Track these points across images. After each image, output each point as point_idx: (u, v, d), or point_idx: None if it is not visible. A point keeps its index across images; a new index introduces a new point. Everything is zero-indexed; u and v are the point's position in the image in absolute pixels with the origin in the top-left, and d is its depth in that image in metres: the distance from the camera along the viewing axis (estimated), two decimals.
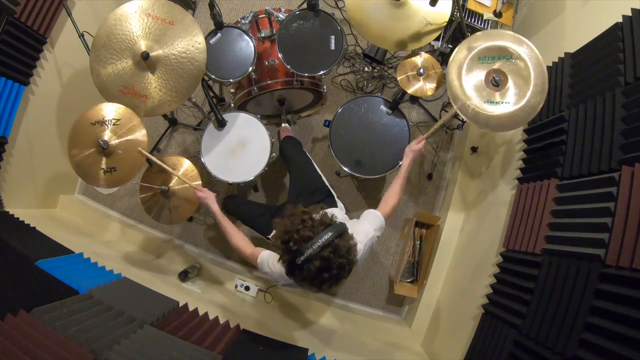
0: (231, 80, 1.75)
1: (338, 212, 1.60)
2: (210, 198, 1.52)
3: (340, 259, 1.03)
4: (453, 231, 2.22)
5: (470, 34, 1.60)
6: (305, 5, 1.75)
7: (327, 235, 1.03)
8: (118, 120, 1.55)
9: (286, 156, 1.95)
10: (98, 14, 2.09)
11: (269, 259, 1.36)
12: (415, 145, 1.51)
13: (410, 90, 1.79)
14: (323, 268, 1.02)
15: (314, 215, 1.09)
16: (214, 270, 2.32)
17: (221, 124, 1.81)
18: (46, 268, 1.50)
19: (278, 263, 1.20)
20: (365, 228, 1.34)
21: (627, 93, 1.26)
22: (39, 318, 1.21)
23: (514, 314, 1.45)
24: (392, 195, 1.48)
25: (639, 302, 1.01)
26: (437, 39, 2.06)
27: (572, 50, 1.61)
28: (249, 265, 2.39)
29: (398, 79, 1.80)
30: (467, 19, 2.15)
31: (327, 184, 1.78)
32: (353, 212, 2.44)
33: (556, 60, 1.68)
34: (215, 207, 1.49)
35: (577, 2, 1.74)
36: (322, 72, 1.73)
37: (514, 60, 1.51)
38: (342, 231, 1.08)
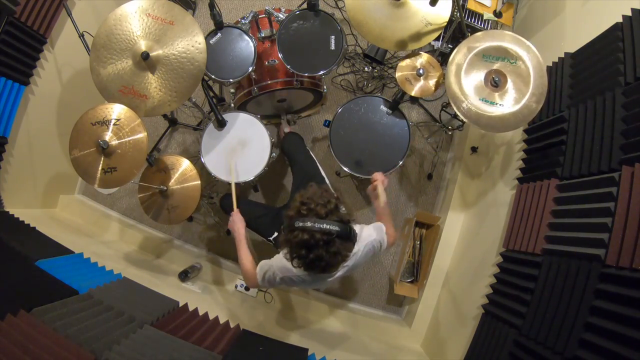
0: (231, 80, 1.75)
1: None
2: (242, 224, 1.58)
3: (324, 253, 1.04)
4: (453, 231, 2.22)
5: (470, 34, 1.60)
6: (305, 5, 1.75)
7: (332, 227, 1.04)
8: (118, 120, 1.55)
9: (288, 153, 1.93)
10: (98, 14, 2.09)
11: (266, 261, 1.38)
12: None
13: (410, 91, 1.79)
14: (305, 244, 1.04)
15: (340, 206, 1.11)
16: (214, 270, 2.32)
17: (221, 124, 1.81)
18: (46, 268, 1.50)
19: (279, 256, 1.28)
20: (369, 231, 1.35)
21: (627, 93, 1.26)
22: (39, 318, 1.21)
23: (514, 314, 1.45)
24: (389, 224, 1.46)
25: (639, 302, 1.01)
26: (437, 39, 2.05)
27: (572, 50, 1.61)
28: None
29: (398, 79, 1.80)
30: (467, 19, 2.15)
31: (328, 183, 1.78)
32: (353, 212, 2.44)
33: (556, 60, 1.68)
34: (243, 232, 1.55)
35: (577, 2, 1.74)
36: (322, 72, 1.73)
37: (516, 63, 1.51)
38: (348, 236, 1.09)
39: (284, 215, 1.13)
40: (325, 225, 1.04)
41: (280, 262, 1.32)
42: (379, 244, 1.35)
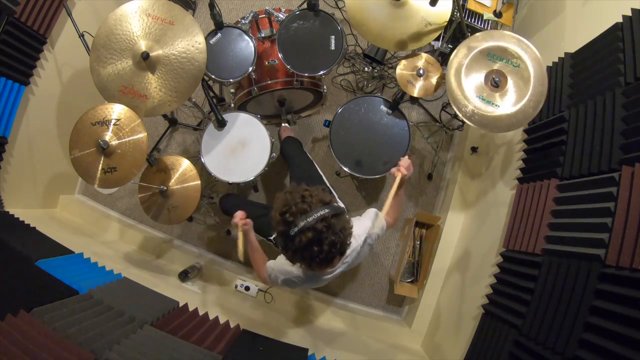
0: (231, 80, 1.75)
1: None
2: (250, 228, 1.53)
3: (333, 236, 1.03)
4: (453, 231, 2.22)
5: (470, 34, 1.60)
6: (305, 5, 1.75)
7: (323, 211, 1.03)
8: (118, 120, 1.55)
9: (287, 156, 1.95)
10: (98, 14, 2.10)
11: (273, 261, 1.39)
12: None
13: (410, 91, 1.79)
14: (314, 241, 1.02)
15: (314, 193, 1.09)
16: (214, 270, 2.32)
17: (221, 124, 1.81)
18: (46, 268, 1.51)
19: (280, 259, 1.26)
20: (365, 224, 1.33)
21: (627, 93, 1.26)
22: (39, 318, 1.21)
23: (514, 314, 1.45)
24: (392, 208, 1.37)
25: (639, 302, 1.01)
26: (437, 39, 2.05)
27: (572, 50, 1.61)
28: (249, 265, 2.39)
29: (398, 79, 1.80)
30: (467, 19, 2.15)
31: (328, 184, 1.78)
32: (353, 212, 2.44)
33: (556, 60, 1.68)
34: (252, 235, 1.51)
35: (577, 2, 1.74)
36: (322, 72, 1.73)
37: (519, 67, 1.51)
38: (339, 212, 1.07)
39: (277, 233, 1.09)
40: (316, 214, 1.02)
41: (279, 265, 1.33)
42: (376, 235, 1.33)
